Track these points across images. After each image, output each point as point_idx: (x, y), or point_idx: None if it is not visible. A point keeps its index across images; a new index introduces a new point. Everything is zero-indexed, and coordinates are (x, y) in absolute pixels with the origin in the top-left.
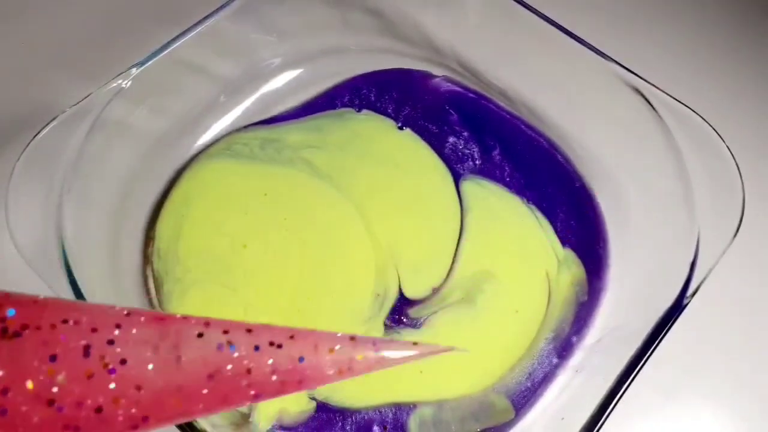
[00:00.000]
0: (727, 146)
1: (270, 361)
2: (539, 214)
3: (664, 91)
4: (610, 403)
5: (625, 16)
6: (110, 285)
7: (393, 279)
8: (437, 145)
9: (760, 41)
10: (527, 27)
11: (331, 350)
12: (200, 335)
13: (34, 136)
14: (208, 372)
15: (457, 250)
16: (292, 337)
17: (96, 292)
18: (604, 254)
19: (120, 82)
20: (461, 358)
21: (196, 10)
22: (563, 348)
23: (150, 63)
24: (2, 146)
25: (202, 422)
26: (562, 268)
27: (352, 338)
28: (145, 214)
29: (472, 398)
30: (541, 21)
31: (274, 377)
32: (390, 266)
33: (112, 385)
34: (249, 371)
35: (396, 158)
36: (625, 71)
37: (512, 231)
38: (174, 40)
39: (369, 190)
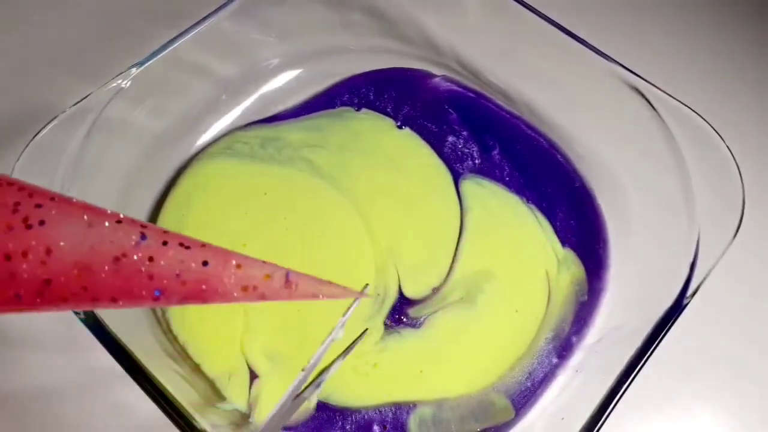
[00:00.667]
0: (727, 146)
1: (173, 255)
2: (539, 214)
3: (664, 91)
4: (610, 403)
5: (625, 16)
6: None
7: (393, 279)
8: (436, 144)
9: (760, 41)
10: (527, 27)
11: (239, 266)
12: (119, 222)
13: (34, 136)
14: (114, 255)
15: (457, 249)
16: (203, 246)
17: None
18: (604, 254)
19: (120, 81)
20: (461, 357)
21: (196, 10)
22: (563, 348)
23: (150, 63)
24: (2, 146)
25: (202, 422)
26: (561, 267)
27: (264, 262)
28: (145, 214)
29: (472, 397)
30: (542, 21)
31: (177, 276)
32: (390, 266)
33: (31, 241)
34: (151, 259)
35: (396, 158)
36: (625, 71)
37: (512, 230)
38: (174, 40)
39: (369, 191)
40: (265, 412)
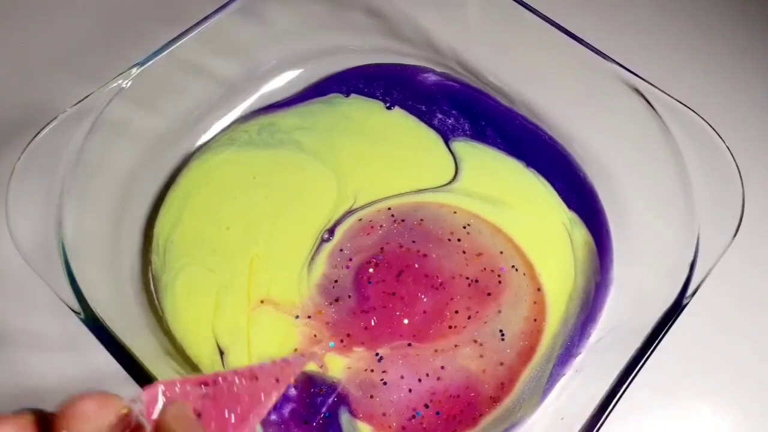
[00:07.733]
0: (727, 146)
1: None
2: (541, 178)
3: (663, 91)
4: (610, 403)
5: (625, 16)
6: (110, 284)
7: (345, 206)
8: (426, 119)
9: (760, 41)
10: (527, 27)
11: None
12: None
13: (35, 136)
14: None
15: (453, 180)
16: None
17: (96, 292)
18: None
19: (120, 82)
20: None
21: (196, 11)
22: (584, 325)
23: (150, 63)
24: (3, 146)
25: None
26: (573, 226)
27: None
28: (145, 213)
29: None
30: (541, 21)
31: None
32: (349, 199)
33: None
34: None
35: (383, 132)
36: (625, 71)
37: (516, 183)
38: (174, 40)
39: (352, 160)
40: None
